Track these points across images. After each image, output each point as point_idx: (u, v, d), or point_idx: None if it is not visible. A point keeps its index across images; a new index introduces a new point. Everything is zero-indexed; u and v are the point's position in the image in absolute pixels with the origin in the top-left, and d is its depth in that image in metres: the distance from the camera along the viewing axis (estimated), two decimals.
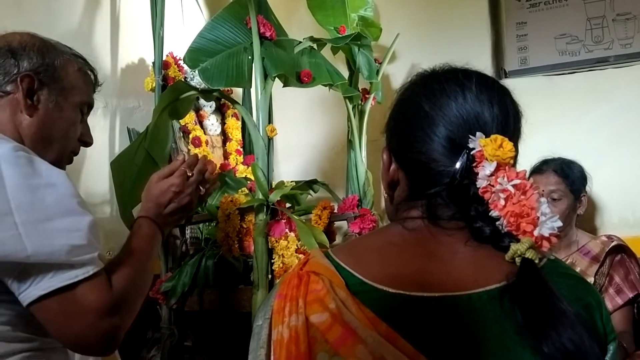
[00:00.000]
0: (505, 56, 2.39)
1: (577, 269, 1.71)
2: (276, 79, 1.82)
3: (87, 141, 1.13)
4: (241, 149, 2.40)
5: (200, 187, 1.21)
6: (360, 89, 2.17)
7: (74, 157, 1.13)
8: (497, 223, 0.67)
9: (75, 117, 1.07)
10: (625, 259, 1.80)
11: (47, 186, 0.90)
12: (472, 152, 0.68)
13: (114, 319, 0.90)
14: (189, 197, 1.17)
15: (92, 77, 1.13)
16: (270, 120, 1.87)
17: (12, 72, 1.00)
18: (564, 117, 2.19)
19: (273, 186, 1.86)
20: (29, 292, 0.87)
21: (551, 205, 1.78)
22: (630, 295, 1.75)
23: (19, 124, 1.00)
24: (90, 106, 1.12)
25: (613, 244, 1.80)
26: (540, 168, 1.86)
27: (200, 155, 1.26)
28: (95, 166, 1.97)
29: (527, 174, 0.67)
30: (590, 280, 1.73)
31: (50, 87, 1.03)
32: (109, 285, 0.92)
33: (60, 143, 1.05)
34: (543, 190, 1.78)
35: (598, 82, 2.21)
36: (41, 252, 0.86)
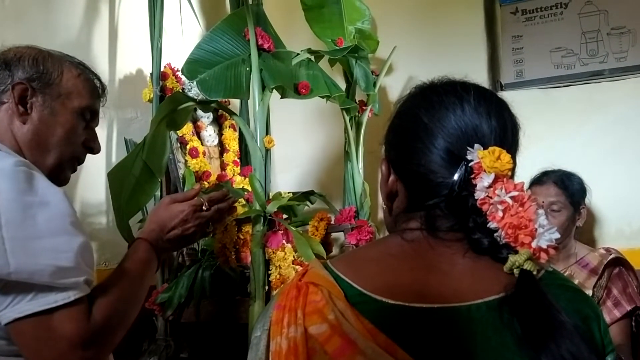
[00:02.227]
0: (501, 69, 2.41)
1: (576, 281, 1.71)
2: (274, 90, 1.82)
3: (92, 147, 1.11)
4: (238, 160, 2.40)
5: (211, 224, 1.18)
6: (357, 100, 2.18)
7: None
8: (495, 234, 0.67)
9: (74, 122, 1.06)
10: (624, 272, 1.80)
11: (41, 204, 0.88)
12: (470, 164, 0.68)
13: (87, 353, 0.86)
14: (195, 229, 1.14)
15: (97, 83, 1.12)
16: (267, 132, 1.88)
17: (6, 82, 1.01)
18: (560, 130, 2.21)
19: (270, 197, 1.86)
20: (5, 312, 0.84)
21: (550, 216, 1.78)
22: (628, 308, 1.74)
23: (16, 132, 1.00)
24: (93, 111, 1.11)
25: (611, 256, 1.80)
26: (541, 179, 1.86)
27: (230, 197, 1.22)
28: (92, 177, 1.97)
29: (527, 185, 0.67)
30: (589, 292, 1.73)
31: (45, 93, 1.02)
32: (88, 315, 0.88)
33: (58, 148, 1.04)
34: (543, 202, 1.78)
35: (593, 95, 2.23)
36: (24, 270, 0.83)
